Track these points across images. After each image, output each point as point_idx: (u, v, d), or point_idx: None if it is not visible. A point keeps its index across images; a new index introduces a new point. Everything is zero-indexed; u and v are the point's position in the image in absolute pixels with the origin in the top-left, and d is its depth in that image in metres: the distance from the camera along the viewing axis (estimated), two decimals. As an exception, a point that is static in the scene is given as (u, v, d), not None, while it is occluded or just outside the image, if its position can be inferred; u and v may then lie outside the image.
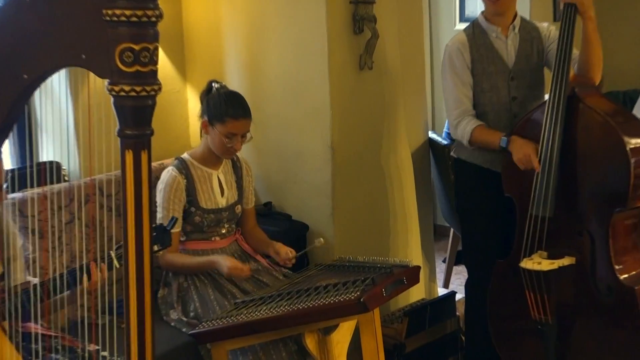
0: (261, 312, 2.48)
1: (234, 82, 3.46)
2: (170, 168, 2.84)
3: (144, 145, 1.44)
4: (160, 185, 2.80)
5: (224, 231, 2.90)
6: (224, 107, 2.75)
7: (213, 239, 2.89)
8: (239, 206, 2.94)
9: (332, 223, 3.31)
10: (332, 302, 2.41)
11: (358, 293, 2.41)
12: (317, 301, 2.44)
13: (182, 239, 2.87)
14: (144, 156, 1.44)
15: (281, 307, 2.46)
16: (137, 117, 1.42)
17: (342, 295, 2.42)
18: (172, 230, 2.72)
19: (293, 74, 3.32)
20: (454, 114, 3.05)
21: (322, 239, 2.89)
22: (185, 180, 2.82)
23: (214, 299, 2.73)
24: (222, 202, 2.88)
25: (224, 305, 2.69)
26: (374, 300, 2.42)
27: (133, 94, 1.39)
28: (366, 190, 3.45)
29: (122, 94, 1.39)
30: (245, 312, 2.52)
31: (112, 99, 1.45)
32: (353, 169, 3.38)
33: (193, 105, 3.61)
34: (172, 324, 2.76)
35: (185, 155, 2.89)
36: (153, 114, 1.46)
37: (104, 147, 1.71)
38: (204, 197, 2.84)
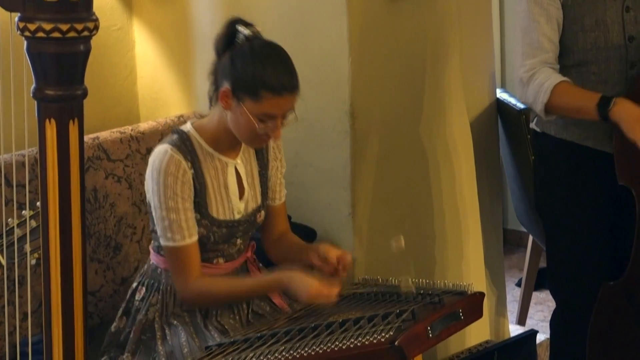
0: (246, 360, 2.49)
1: (205, 17, 3.47)
2: (166, 147, 2.69)
3: (72, 112, 1.44)
4: (154, 174, 2.68)
5: (233, 250, 2.83)
6: (260, 73, 2.62)
7: (215, 261, 2.81)
8: (263, 212, 2.87)
9: (351, 227, 3.33)
10: (351, 346, 2.42)
11: (391, 333, 2.42)
12: (329, 345, 2.45)
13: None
14: (72, 128, 1.44)
15: (276, 354, 2.47)
16: (62, 70, 1.42)
17: (367, 337, 2.43)
18: (186, 242, 2.67)
19: (294, 3, 3.32)
20: (527, 64, 3.02)
21: (402, 240, 2.72)
22: (192, 170, 2.70)
23: (189, 351, 2.68)
24: (240, 209, 2.79)
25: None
26: (414, 344, 2.44)
27: (57, 35, 1.40)
28: (401, 179, 3.46)
29: (41, 35, 1.40)
30: (222, 360, 2.53)
31: (25, 44, 1.45)
32: (382, 147, 3.39)
33: (143, 49, 3.62)
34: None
35: (188, 128, 2.75)
36: (86, 65, 1.47)
37: (13, 114, 1.72)
38: (215, 201, 2.75)
